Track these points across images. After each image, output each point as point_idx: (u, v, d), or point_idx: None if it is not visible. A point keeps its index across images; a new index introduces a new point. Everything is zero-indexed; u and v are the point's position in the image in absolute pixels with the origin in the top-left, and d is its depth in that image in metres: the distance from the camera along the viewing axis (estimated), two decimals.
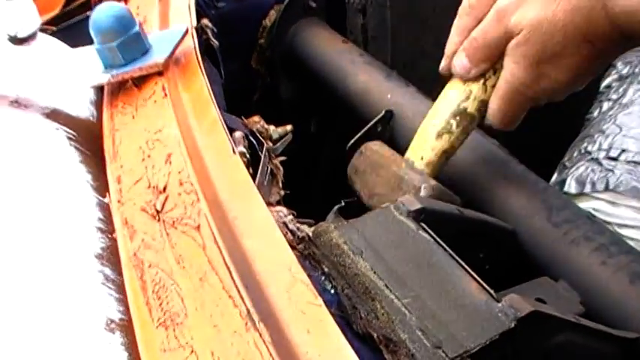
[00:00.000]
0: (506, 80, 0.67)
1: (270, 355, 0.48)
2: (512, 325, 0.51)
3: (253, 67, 1.31)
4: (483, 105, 0.71)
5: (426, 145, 0.73)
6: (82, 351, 0.60)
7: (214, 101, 0.75)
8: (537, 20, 0.62)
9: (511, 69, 0.66)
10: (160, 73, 0.87)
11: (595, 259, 0.68)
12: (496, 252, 0.73)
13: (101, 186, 0.80)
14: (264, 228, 0.58)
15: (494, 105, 0.70)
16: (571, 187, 1.08)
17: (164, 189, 0.66)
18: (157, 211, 0.64)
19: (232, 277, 0.54)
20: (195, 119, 0.74)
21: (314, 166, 1.36)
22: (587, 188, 1.06)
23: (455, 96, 0.72)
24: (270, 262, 0.55)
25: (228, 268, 0.55)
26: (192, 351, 0.51)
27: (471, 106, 0.71)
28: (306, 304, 0.50)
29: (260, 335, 0.50)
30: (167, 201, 0.65)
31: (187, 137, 0.72)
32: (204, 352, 0.51)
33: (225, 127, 0.70)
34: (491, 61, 0.68)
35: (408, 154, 0.75)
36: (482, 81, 0.70)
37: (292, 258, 0.54)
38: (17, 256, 0.67)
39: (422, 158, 0.73)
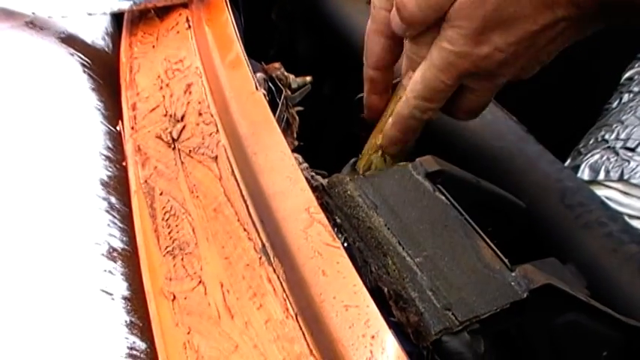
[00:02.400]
0: (440, 49, 0.58)
1: (284, 291, 0.46)
2: (525, 295, 0.50)
3: (273, 20, 1.28)
4: None
5: None
6: (83, 276, 0.58)
7: (239, 37, 0.72)
8: None
9: (450, 35, 0.57)
10: (184, 5, 0.84)
11: (606, 245, 0.67)
12: (506, 227, 0.71)
13: (112, 116, 0.78)
14: (284, 166, 0.56)
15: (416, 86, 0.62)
16: (584, 173, 1.06)
17: (182, 118, 0.64)
18: (173, 140, 0.62)
19: (248, 211, 0.52)
20: (219, 53, 0.72)
21: (322, 127, 1.34)
22: (601, 176, 1.04)
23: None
24: (288, 200, 0.53)
25: (244, 201, 0.53)
26: (200, 281, 0.50)
27: None
28: (324, 245, 0.48)
29: (274, 270, 0.48)
30: (184, 130, 0.62)
31: (209, 70, 0.70)
32: (213, 283, 0.49)
33: (248, 63, 0.68)
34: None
35: None
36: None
37: (311, 198, 0.52)
38: (21, 180, 0.64)
39: None
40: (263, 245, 0.50)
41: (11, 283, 0.55)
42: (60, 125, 0.74)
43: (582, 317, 0.56)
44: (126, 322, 0.56)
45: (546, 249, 0.70)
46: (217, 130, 0.61)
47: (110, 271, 0.60)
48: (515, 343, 0.55)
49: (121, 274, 0.60)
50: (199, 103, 0.65)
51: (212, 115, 0.63)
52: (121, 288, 0.59)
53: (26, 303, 0.54)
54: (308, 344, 0.43)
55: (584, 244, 0.68)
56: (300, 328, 0.44)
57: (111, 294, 0.58)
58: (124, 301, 0.58)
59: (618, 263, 0.65)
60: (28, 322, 0.52)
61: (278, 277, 0.47)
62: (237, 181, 0.55)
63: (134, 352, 0.54)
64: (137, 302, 0.58)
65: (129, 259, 0.62)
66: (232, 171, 0.56)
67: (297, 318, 0.45)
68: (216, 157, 0.58)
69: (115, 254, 0.62)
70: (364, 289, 0.45)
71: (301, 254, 0.48)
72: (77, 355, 0.52)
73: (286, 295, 0.46)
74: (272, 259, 0.48)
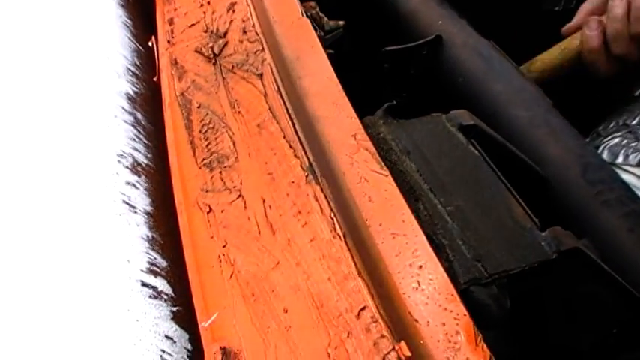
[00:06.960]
0: None
1: (332, 210, 0.44)
2: (554, 256, 0.48)
3: None
4: None
5: None
6: (106, 185, 0.55)
7: None
8: None
9: None
10: None
11: (623, 223, 0.66)
12: (525, 196, 0.70)
13: (141, 34, 0.75)
14: (330, 92, 0.53)
15: None
16: (603, 155, 1.05)
17: (224, 34, 0.61)
18: (214, 55, 0.59)
19: (295, 129, 0.50)
20: None
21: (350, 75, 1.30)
22: (620, 160, 1.03)
23: None
24: (335, 125, 0.50)
25: (291, 119, 0.51)
26: (239, 195, 0.47)
27: None
28: (371, 172, 0.46)
29: (322, 189, 0.45)
30: (226, 46, 0.59)
31: None
32: (253, 198, 0.47)
33: None
34: None
35: None
36: None
37: (358, 125, 0.50)
38: (46, 90, 0.62)
39: None
40: (310, 164, 0.47)
41: (34, 187, 0.52)
42: (87, 39, 0.71)
43: (602, 289, 0.55)
44: (147, 237, 0.54)
45: (563, 222, 0.68)
46: (262, 49, 0.58)
47: (134, 185, 0.57)
48: (528, 307, 0.54)
49: (145, 189, 0.58)
50: (243, 21, 0.62)
51: (257, 34, 0.60)
52: (145, 202, 0.57)
53: (46, 209, 0.51)
54: (356, 265, 0.41)
55: (601, 221, 0.67)
56: (348, 249, 0.42)
57: (134, 207, 0.55)
58: (146, 216, 0.55)
59: (634, 243, 0.64)
60: (47, 229, 0.50)
61: (325, 197, 0.45)
62: (282, 99, 0.53)
63: (154, 269, 0.52)
64: (160, 219, 0.56)
65: (153, 176, 0.60)
66: (278, 89, 0.54)
67: (344, 238, 0.43)
68: (262, 75, 0.56)
69: (139, 169, 0.59)
70: (413, 219, 0.43)
71: (347, 179, 0.46)
72: (97, 266, 0.49)
73: (334, 215, 0.44)
74: (319, 178, 0.46)
